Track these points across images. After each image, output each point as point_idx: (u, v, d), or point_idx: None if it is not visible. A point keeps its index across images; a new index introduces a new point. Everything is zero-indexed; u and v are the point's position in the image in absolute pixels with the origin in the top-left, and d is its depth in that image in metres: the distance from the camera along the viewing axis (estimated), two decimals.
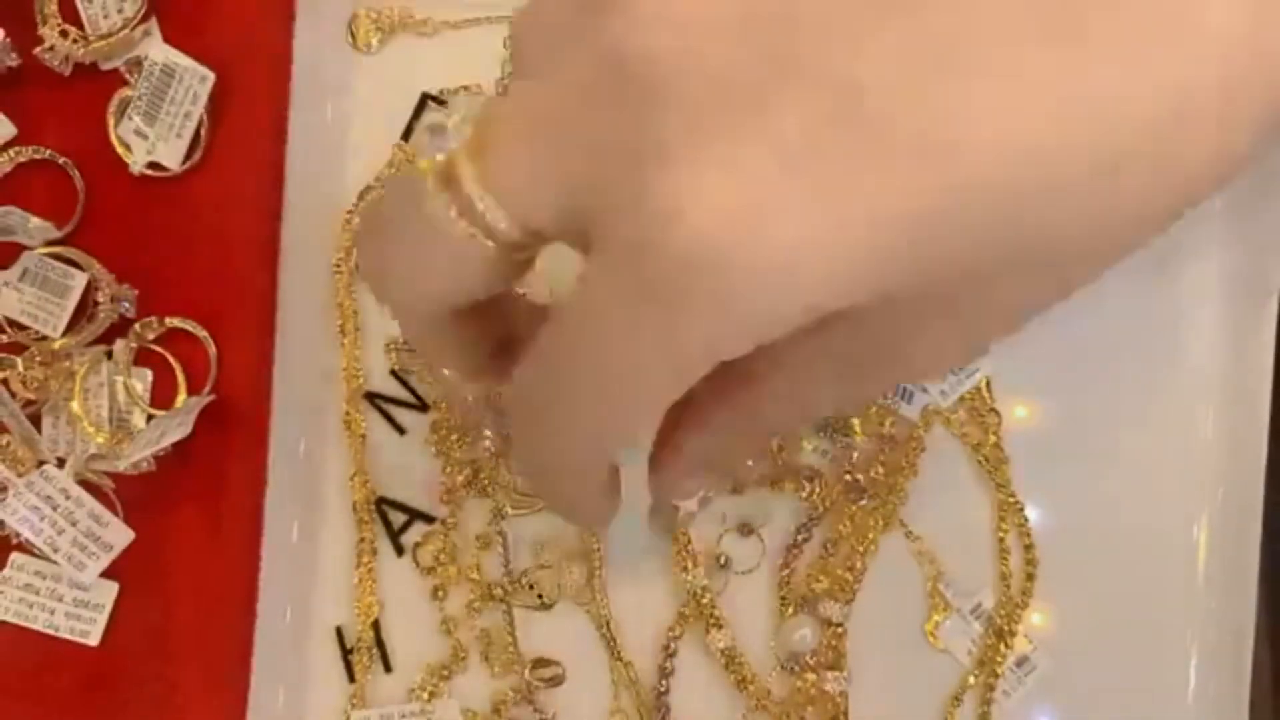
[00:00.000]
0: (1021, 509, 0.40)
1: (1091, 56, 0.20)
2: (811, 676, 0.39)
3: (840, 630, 0.39)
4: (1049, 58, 0.20)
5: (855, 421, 0.39)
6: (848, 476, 0.39)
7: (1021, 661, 0.39)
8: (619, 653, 0.40)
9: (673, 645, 0.40)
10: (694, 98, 0.20)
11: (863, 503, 0.39)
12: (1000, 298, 0.24)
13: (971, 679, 0.39)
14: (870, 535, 0.39)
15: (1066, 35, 0.20)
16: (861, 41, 0.20)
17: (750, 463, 0.38)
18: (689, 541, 0.39)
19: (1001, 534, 0.40)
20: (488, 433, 0.40)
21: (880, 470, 0.39)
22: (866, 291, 0.21)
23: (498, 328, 0.28)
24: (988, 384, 0.40)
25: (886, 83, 0.20)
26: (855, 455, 0.39)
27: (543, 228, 0.23)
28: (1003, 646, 0.39)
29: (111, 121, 0.41)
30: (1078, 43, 0.20)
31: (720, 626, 0.39)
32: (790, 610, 0.39)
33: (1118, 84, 0.20)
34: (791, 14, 0.20)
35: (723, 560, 0.39)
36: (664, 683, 0.39)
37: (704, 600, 0.39)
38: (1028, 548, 0.40)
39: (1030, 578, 0.40)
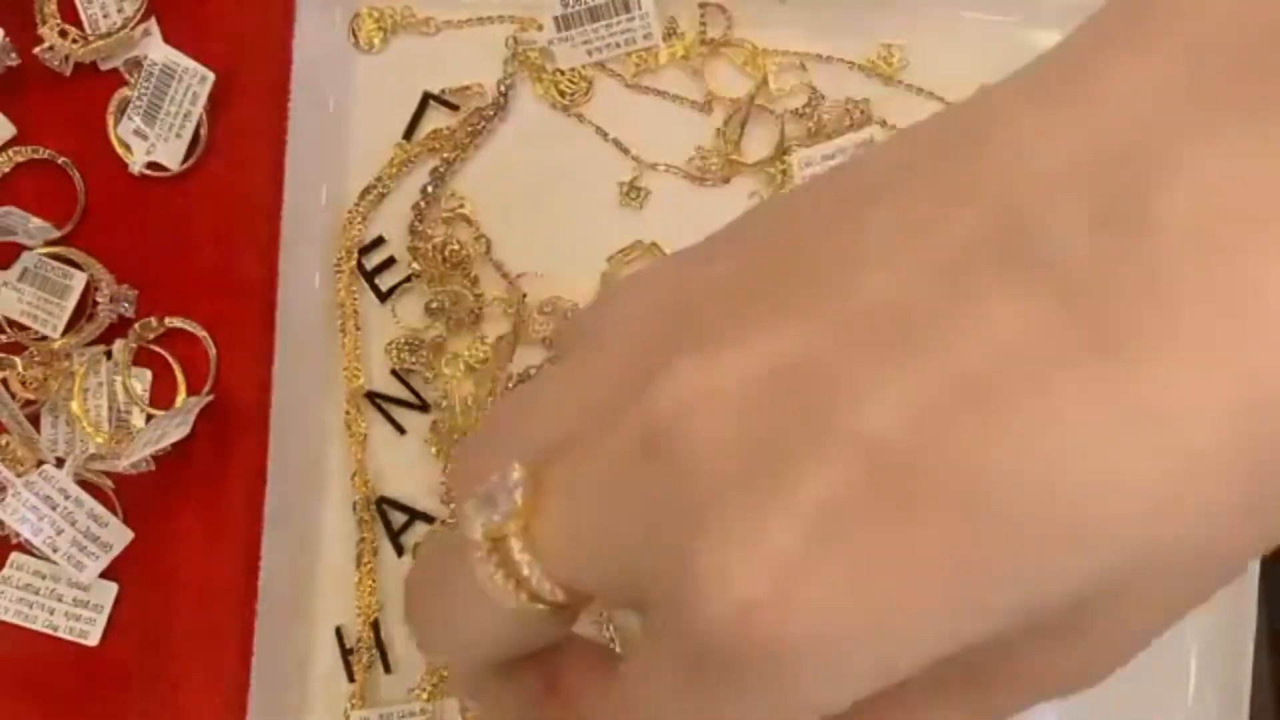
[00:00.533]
0: None
1: (1143, 363, 0.18)
2: None
3: None
4: (1091, 377, 0.18)
5: None
6: None
7: None
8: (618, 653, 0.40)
9: None
10: (720, 472, 0.20)
11: None
12: (1125, 618, 0.22)
13: None
14: None
15: (1109, 345, 0.18)
16: (882, 392, 0.19)
17: None
18: None
19: None
20: None
21: None
22: (935, 650, 0.20)
23: (545, 668, 0.27)
24: None
25: (910, 434, 0.19)
26: None
27: (590, 591, 0.23)
28: None
29: (111, 121, 0.41)
30: (1125, 351, 0.18)
31: None
32: None
33: (1180, 391, 0.18)
34: (815, 372, 0.20)
35: None
36: None
37: None
38: None
39: None
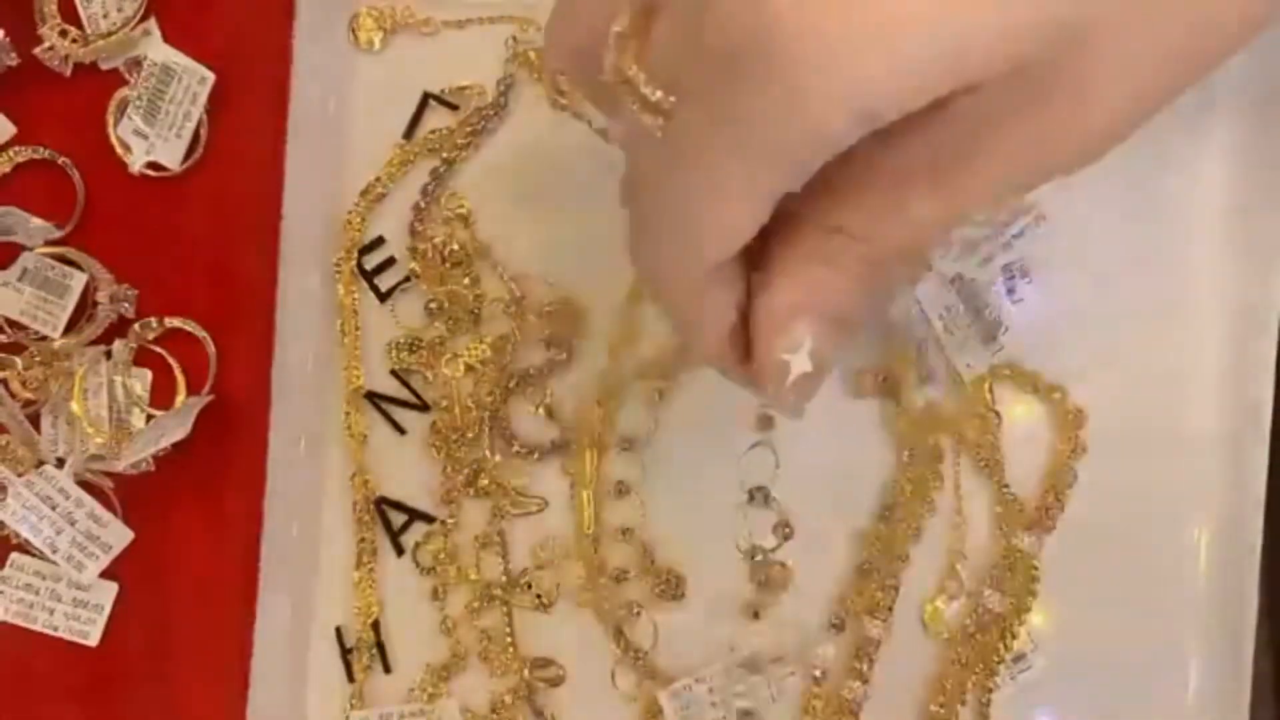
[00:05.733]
0: (1022, 509, 0.40)
1: None
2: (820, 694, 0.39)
3: (875, 648, 0.39)
4: None
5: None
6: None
7: (1019, 659, 0.39)
8: (625, 644, 0.40)
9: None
10: None
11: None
12: (1089, 74, 0.25)
13: (971, 679, 0.39)
14: (901, 549, 0.40)
15: None
16: None
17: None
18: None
19: (1001, 530, 0.40)
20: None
21: (908, 488, 0.39)
22: (961, 74, 0.22)
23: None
24: (989, 386, 0.40)
25: None
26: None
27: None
28: (1002, 647, 0.39)
29: (111, 121, 0.41)
30: None
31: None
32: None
33: None
34: None
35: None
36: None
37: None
38: (1029, 548, 0.40)
39: (1032, 578, 0.39)
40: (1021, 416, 0.40)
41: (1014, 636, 0.39)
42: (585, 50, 0.27)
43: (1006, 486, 0.39)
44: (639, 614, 0.40)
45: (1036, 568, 0.39)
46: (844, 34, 0.21)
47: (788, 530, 0.40)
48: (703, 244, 0.26)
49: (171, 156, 0.41)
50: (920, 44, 0.22)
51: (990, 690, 0.39)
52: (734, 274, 0.29)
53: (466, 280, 0.41)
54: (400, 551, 0.40)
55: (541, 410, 0.40)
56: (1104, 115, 0.26)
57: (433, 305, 0.41)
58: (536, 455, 0.40)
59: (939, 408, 0.40)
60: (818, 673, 0.39)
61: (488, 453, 0.40)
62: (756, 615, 0.40)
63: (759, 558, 0.40)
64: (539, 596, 0.40)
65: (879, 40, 0.22)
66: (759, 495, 0.40)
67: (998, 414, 0.40)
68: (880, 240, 0.29)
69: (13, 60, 0.41)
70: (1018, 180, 0.27)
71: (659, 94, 0.25)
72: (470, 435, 0.40)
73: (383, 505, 0.40)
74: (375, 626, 0.40)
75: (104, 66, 0.41)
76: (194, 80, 0.41)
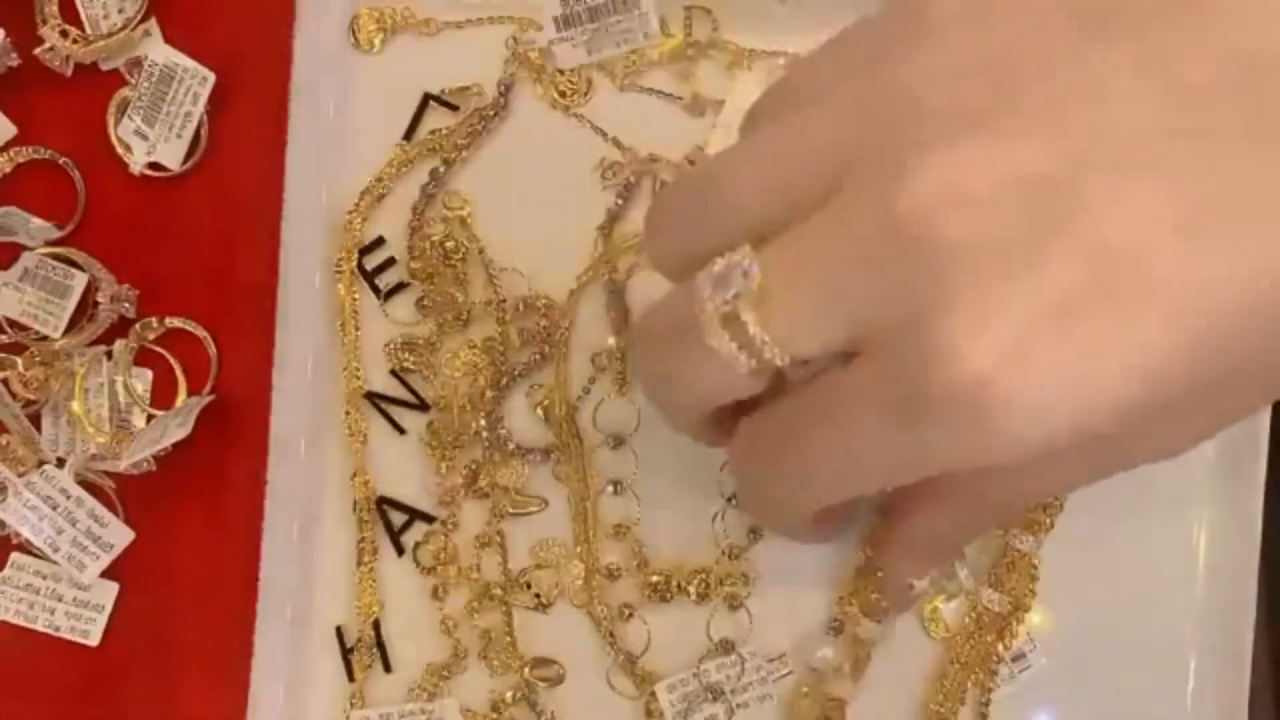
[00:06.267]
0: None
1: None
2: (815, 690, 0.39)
3: (874, 648, 0.39)
4: None
5: None
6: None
7: (1019, 658, 0.39)
8: (618, 647, 0.40)
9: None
10: (973, 258, 0.23)
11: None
12: (1226, 401, 0.28)
13: (971, 679, 0.39)
14: None
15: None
16: (1116, 205, 0.23)
17: None
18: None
19: (1001, 533, 0.40)
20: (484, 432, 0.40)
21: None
22: (1117, 425, 0.24)
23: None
24: None
25: (1140, 244, 0.23)
26: None
27: (812, 357, 0.26)
28: (1002, 647, 0.39)
29: (112, 121, 0.41)
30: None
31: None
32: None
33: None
34: (1056, 182, 0.23)
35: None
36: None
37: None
38: (1028, 548, 0.40)
39: (1031, 577, 0.40)
40: None
41: (1014, 636, 0.39)
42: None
43: None
44: (629, 618, 0.40)
45: (1036, 568, 0.39)
46: (1038, 401, 0.24)
47: (756, 534, 0.40)
48: (842, 491, 0.29)
49: (172, 157, 0.41)
50: (1062, 421, 0.24)
51: (990, 690, 0.39)
52: None
53: (466, 280, 0.41)
54: (400, 551, 0.40)
55: (540, 410, 0.40)
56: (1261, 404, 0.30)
57: (430, 305, 0.41)
58: (535, 455, 0.40)
59: None
60: (816, 672, 0.39)
61: (486, 453, 0.40)
62: (734, 607, 0.40)
63: (734, 557, 0.40)
64: (538, 596, 0.40)
65: (1061, 407, 0.24)
66: (735, 500, 0.40)
67: None
68: (1021, 508, 0.34)
69: (14, 61, 0.41)
70: (1175, 454, 0.30)
71: (785, 359, 0.26)
72: (469, 435, 0.40)
73: (383, 505, 0.41)
74: (375, 626, 0.40)
75: (104, 67, 0.41)
76: (194, 80, 0.41)
